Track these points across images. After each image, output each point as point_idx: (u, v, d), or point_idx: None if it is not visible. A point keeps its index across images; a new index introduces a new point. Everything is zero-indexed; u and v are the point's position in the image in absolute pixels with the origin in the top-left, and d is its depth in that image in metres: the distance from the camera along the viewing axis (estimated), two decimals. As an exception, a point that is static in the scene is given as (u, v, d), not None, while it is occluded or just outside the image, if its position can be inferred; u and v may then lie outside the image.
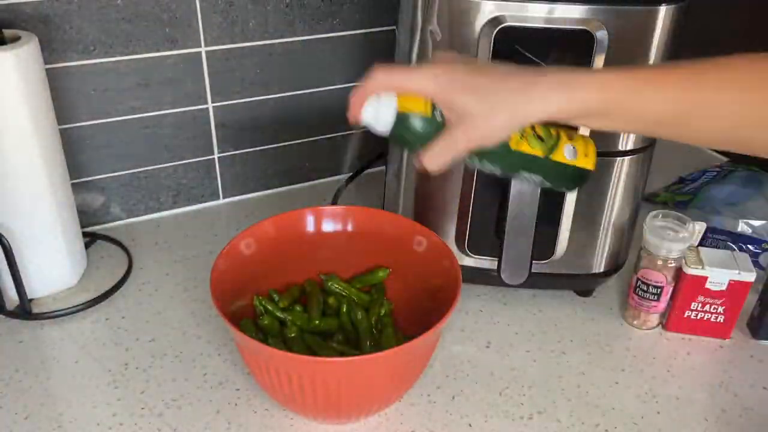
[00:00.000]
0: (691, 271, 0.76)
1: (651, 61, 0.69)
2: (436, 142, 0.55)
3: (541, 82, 0.52)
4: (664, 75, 0.53)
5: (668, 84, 0.52)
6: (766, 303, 0.78)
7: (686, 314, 0.79)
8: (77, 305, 0.81)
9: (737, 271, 0.75)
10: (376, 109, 0.56)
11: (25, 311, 0.79)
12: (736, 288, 0.76)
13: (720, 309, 0.78)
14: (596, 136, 0.73)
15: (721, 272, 0.76)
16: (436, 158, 0.55)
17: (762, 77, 0.50)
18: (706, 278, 0.76)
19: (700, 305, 0.78)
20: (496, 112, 0.53)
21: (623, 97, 0.52)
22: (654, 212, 0.79)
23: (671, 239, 0.76)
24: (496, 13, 0.66)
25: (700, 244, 0.96)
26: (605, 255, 0.82)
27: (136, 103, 0.92)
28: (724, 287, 0.76)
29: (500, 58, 0.68)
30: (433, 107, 0.55)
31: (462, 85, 0.53)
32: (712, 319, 0.78)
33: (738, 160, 1.13)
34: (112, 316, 0.81)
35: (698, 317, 0.79)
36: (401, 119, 0.56)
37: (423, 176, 0.80)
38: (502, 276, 0.76)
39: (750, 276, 0.75)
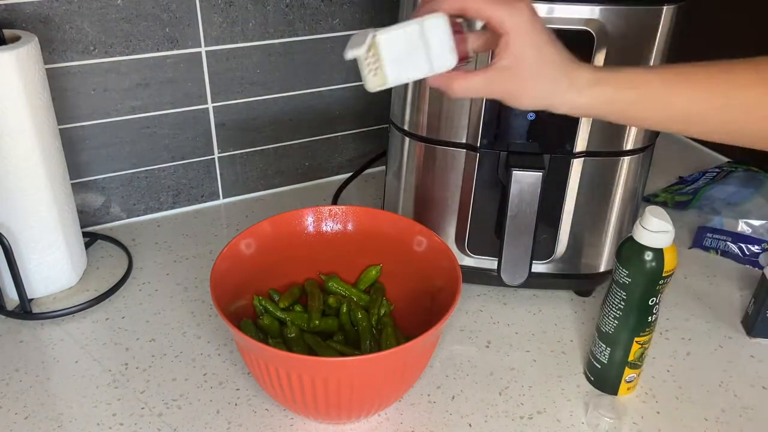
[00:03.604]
0: None
1: (651, 61, 0.69)
2: (476, 74, 0.53)
3: (577, 77, 0.53)
4: (692, 73, 0.53)
5: (697, 82, 0.53)
6: (760, 301, 0.78)
7: None
8: (77, 305, 0.81)
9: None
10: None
11: (25, 311, 0.79)
12: None
13: None
14: (596, 136, 0.74)
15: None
16: (464, 87, 0.54)
17: None
18: None
19: None
20: (540, 84, 0.53)
21: (652, 94, 0.53)
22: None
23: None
24: (496, 13, 0.66)
25: (700, 242, 0.96)
26: (605, 255, 0.82)
27: (136, 103, 0.92)
28: None
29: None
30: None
31: (534, 42, 0.52)
32: None
33: (738, 161, 1.13)
34: (112, 316, 0.81)
35: None
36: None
37: (423, 176, 0.80)
38: (502, 276, 0.76)
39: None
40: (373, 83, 0.51)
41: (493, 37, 0.54)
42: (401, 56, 0.49)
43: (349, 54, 0.50)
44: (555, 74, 0.53)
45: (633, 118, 0.57)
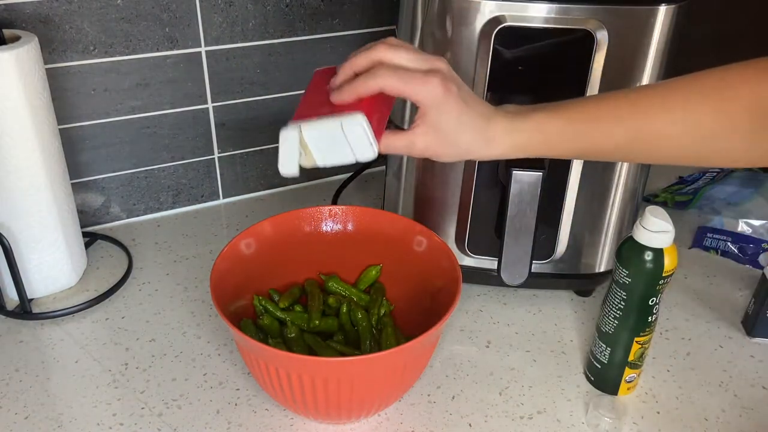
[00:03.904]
0: None
1: (651, 61, 0.69)
2: (398, 137, 0.57)
3: (493, 131, 0.58)
4: (600, 110, 0.57)
5: (603, 118, 0.57)
6: (760, 301, 0.78)
7: None
8: (77, 305, 0.81)
9: None
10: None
11: (25, 311, 0.79)
12: None
13: None
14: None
15: None
16: (390, 147, 0.58)
17: (689, 97, 0.55)
18: None
19: None
20: (457, 145, 0.58)
21: (559, 135, 0.58)
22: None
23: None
24: (496, 13, 0.66)
25: (700, 242, 0.96)
26: (605, 255, 0.82)
27: (136, 103, 0.92)
28: None
29: (498, 58, 0.69)
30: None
31: (448, 111, 0.56)
32: None
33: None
34: (112, 316, 0.81)
35: None
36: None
37: (423, 176, 0.80)
38: (502, 276, 0.76)
39: None
40: (303, 163, 0.56)
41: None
42: (326, 147, 0.55)
43: (286, 168, 0.56)
44: (471, 135, 0.57)
45: (550, 155, 0.60)
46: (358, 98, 0.55)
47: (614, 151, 0.59)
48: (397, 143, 0.58)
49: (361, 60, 0.56)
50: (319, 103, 0.57)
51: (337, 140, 0.54)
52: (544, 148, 0.59)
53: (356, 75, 0.56)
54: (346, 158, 0.55)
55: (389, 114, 0.61)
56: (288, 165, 0.56)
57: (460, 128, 0.56)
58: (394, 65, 0.55)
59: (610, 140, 0.57)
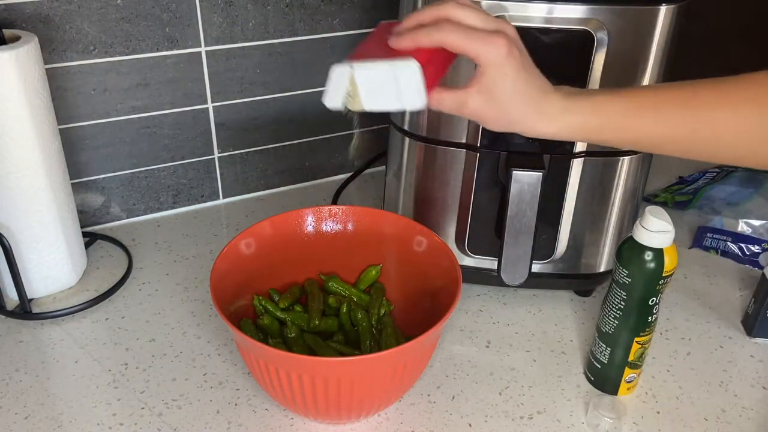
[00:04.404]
0: None
1: (651, 61, 0.69)
2: (450, 92, 0.56)
3: (548, 107, 0.55)
4: (659, 97, 0.55)
5: (663, 107, 0.55)
6: (760, 301, 0.78)
7: None
8: (77, 305, 0.81)
9: None
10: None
11: (25, 311, 0.79)
12: None
13: None
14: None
15: None
16: (441, 102, 0.56)
17: (758, 94, 0.52)
18: None
19: None
20: (509, 113, 0.55)
21: (617, 120, 0.55)
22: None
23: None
24: (496, 13, 0.66)
25: (700, 242, 0.96)
26: (605, 255, 0.82)
27: (136, 103, 0.92)
28: None
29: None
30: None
31: (507, 75, 0.54)
32: None
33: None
34: (112, 316, 0.81)
35: None
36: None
37: (423, 176, 0.80)
38: (502, 276, 0.76)
39: None
40: (350, 105, 0.55)
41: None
42: (375, 90, 0.53)
43: (332, 101, 0.55)
44: (525, 106, 0.55)
45: (603, 141, 0.58)
46: (418, 47, 0.53)
47: (673, 142, 0.56)
48: (448, 100, 0.56)
49: (427, 13, 0.54)
50: (376, 50, 0.55)
51: (387, 84, 0.52)
52: (599, 133, 0.56)
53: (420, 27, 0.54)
54: (393, 105, 0.53)
55: (445, 73, 0.58)
56: (333, 98, 0.55)
57: (515, 95, 0.54)
58: (460, 22, 0.53)
59: (669, 130, 0.55)
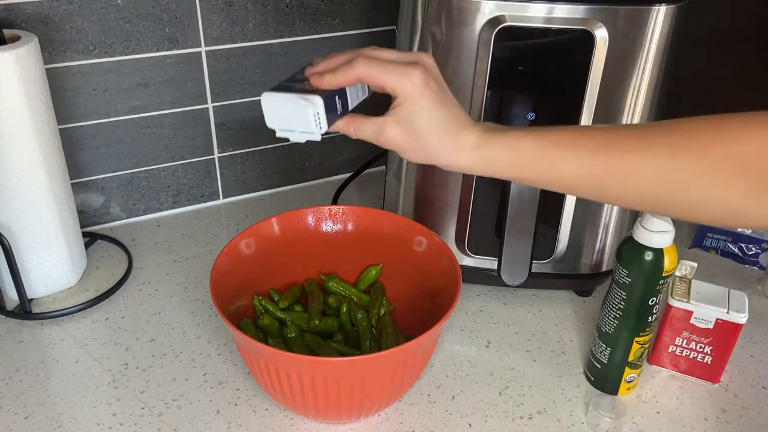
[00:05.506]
0: (675, 303, 0.71)
1: (651, 61, 0.69)
2: (370, 122, 0.57)
3: (464, 140, 0.56)
4: (579, 138, 0.54)
5: (579, 146, 0.53)
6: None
7: (671, 349, 0.73)
8: (77, 305, 0.81)
9: (725, 310, 0.69)
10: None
11: (25, 311, 0.79)
12: (723, 328, 0.70)
13: (707, 349, 0.72)
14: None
15: (707, 309, 0.70)
16: (360, 129, 0.58)
17: (673, 138, 0.50)
18: (691, 313, 0.70)
19: (685, 341, 0.72)
20: (425, 144, 0.56)
21: (529, 157, 0.55)
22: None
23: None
24: (496, 13, 0.66)
25: (700, 242, 0.96)
26: (605, 255, 0.82)
27: (136, 103, 0.92)
28: (710, 325, 0.70)
29: (498, 58, 0.69)
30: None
31: (424, 108, 0.55)
32: (698, 359, 0.73)
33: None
34: (112, 316, 0.81)
35: (683, 354, 0.73)
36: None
37: (423, 176, 0.80)
38: (502, 276, 0.76)
39: (740, 318, 0.69)
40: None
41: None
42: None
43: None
44: (442, 138, 0.56)
45: (519, 179, 0.57)
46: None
47: (583, 184, 0.54)
48: (365, 127, 0.57)
49: (345, 54, 0.57)
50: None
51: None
52: (513, 169, 0.56)
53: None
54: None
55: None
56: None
57: (431, 127, 0.55)
58: (375, 56, 0.55)
59: (580, 170, 0.53)
